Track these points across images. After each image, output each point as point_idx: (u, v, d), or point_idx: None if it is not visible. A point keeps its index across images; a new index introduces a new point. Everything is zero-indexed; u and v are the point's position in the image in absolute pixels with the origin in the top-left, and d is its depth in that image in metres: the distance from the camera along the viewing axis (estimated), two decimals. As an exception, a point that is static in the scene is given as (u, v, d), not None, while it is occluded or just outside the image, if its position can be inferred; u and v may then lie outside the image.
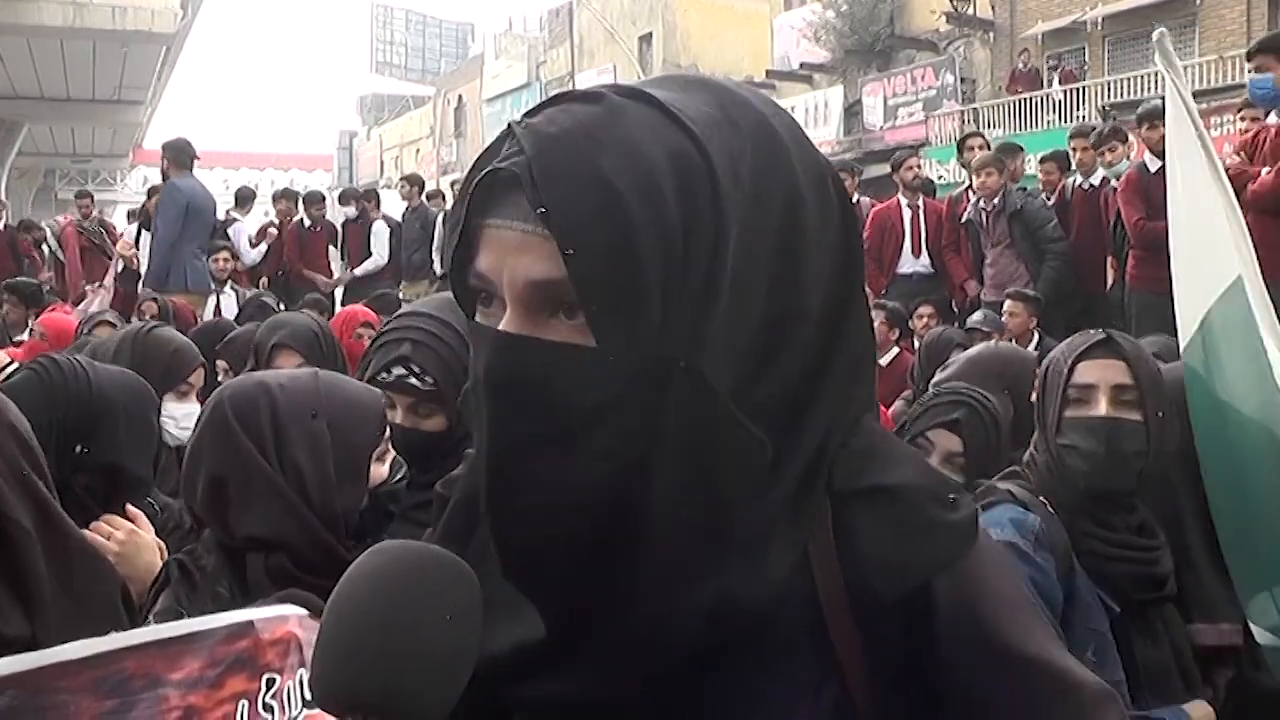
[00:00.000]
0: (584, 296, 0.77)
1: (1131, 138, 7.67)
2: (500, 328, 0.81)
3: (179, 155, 8.14)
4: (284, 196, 11.35)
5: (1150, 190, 6.78)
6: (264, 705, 1.25)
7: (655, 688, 0.83)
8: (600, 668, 0.83)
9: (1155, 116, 6.93)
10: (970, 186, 8.18)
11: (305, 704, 1.27)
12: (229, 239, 9.56)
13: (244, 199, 11.39)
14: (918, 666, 0.86)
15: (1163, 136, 6.70)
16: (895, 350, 6.53)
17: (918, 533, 0.86)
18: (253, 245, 10.52)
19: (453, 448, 2.16)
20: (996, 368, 3.01)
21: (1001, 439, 2.66)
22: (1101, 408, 2.05)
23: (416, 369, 2.13)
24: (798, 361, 0.85)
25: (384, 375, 2.14)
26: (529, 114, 0.83)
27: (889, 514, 0.87)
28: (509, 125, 0.82)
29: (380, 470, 1.81)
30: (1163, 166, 6.77)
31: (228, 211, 10.79)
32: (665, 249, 0.76)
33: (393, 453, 1.87)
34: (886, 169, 9.82)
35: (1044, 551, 1.96)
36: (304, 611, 1.31)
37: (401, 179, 12.01)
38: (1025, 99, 19.11)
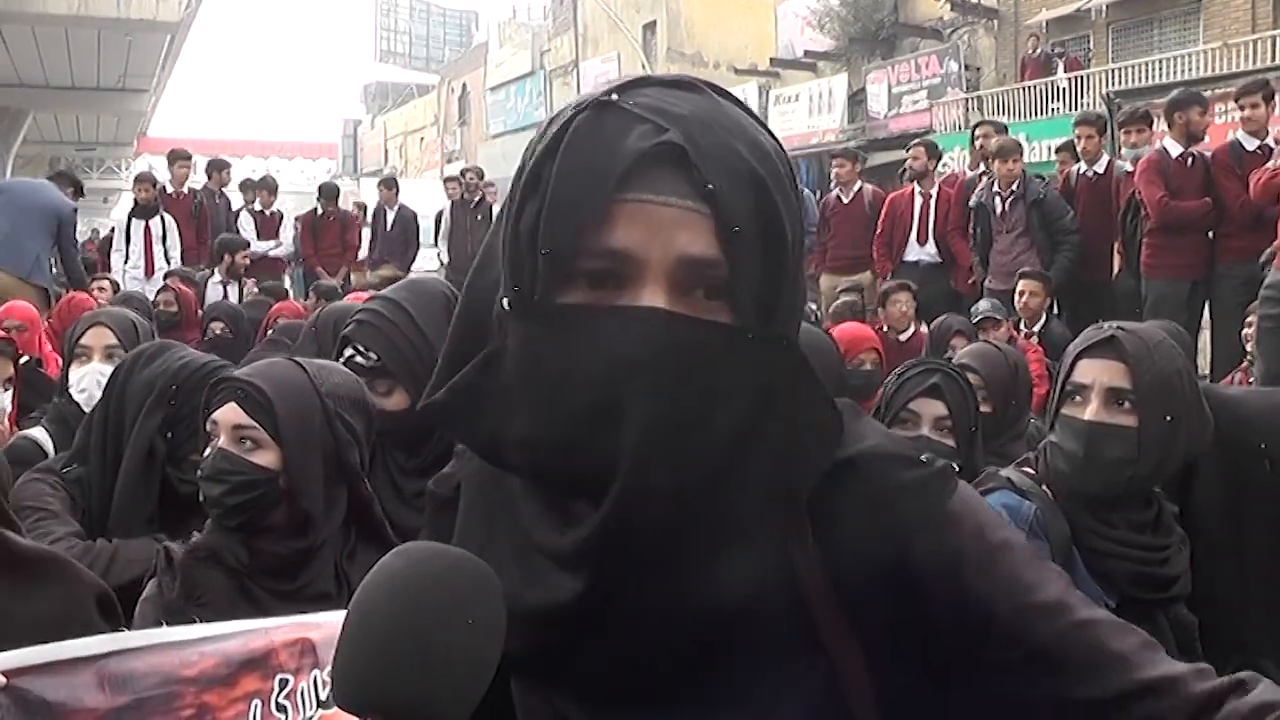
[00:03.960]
0: (737, 276, 0.79)
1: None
2: (645, 304, 0.78)
3: None
4: (385, 184, 12.00)
5: (1170, 174, 6.74)
6: (277, 705, 1.25)
7: (660, 678, 0.83)
8: (631, 643, 0.82)
9: (1188, 103, 6.91)
10: (984, 172, 8.17)
11: (320, 705, 1.27)
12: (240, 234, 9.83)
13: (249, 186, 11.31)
14: (913, 638, 0.85)
15: (1190, 123, 6.74)
16: (913, 329, 6.65)
17: (885, 500, 0.86)
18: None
19: (430, 430, 2.23)
20: None
21: (977, 404, 2.65)
22: (1090, 410, 1.98)
23: (361, 347, 2.23)
24: None
25: (339, 360, 2.23)
26: (621, 90, 0.81)
27: (854, 487, 0.86)
28: (600, 100, 0.81)
29: None
30: (1184, 153, 6.77)
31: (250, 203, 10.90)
32: (793, 234, 0.82)
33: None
34: (890, 157, 9.83)
35: (1038, 539, 1.95)
36: (318, 620, 1.31)
37: (379, 183, 12.56)
38: (1030, 87, 19.04)
